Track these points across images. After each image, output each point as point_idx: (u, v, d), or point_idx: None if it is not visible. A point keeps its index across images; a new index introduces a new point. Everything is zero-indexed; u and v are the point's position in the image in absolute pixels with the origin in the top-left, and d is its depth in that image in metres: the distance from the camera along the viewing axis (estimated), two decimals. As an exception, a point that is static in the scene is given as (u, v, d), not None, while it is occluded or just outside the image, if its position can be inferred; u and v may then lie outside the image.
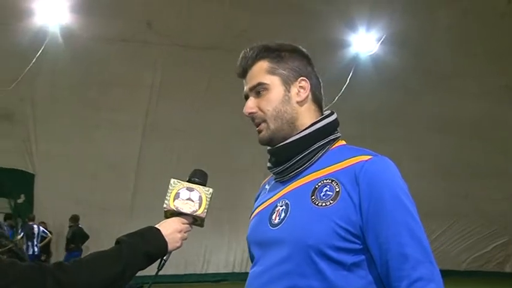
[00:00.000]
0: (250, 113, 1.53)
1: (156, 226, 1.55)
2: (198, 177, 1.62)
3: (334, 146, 1.52)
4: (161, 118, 14.00)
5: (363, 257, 1.37)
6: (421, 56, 14.25)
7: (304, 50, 1.60)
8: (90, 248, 12.27)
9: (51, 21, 11.97)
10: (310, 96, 1.55)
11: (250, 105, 1.53)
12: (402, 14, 13.22)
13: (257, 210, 1.57)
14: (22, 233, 12.86)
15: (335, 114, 1.58)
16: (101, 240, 11.36)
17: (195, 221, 1.59)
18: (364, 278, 1.37)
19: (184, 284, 14.08)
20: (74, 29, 12.23)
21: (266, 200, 1.56)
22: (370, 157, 1.42)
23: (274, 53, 1.54)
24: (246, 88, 1.55)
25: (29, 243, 12.66)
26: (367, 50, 13.98)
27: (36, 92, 13.42)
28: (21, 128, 13.66)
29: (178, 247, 1.58)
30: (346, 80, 13.72)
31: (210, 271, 14.79)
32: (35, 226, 12.91)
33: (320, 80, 1.59)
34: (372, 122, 14.82)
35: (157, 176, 12.45)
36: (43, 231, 13.07)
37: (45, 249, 13.39)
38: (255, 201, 1.65)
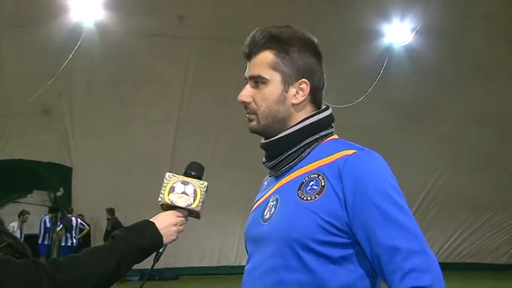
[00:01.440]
0: (243, 102, 1.52)
1: (151, 220, 1.57)
2: (194, 170, 1.62)
3: (324, 141, 1.48)
4: (194, 112, 14.11)
5: (352, 250, 1.35)
6: (456, 47, 13.91)
7: (317, 44, 1.53)
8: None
9: (86, 17, 12.19)
10: (308, 99, 1.50)
11: (246, 93, 1.51)
12: (437, 4, 12.92)
13: (254, 206, 1.58)
14: (61, 225, 13.22)
15: (329, 110, 1.53)
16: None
17: (190, 213, 1.59)
18: (353, 272, 1.35)
19: (217, 276, 14.20)
20: (108, 25, 12.42)
21: (262, 196, 1.57)
22: (354, 151, 1.39)
23: (283, 46, 1.49)
24: (247, 72, 1.53)
25: (68, 235, 13.02)
26: (401, 41, 13.73)
27: (72, 87, 13.71)
28: (59, 123, 13.99)
29: (173, 240, 1.58)
30: (380, 71, 13.52)
31: (244, 263, 14.84)
32: (73, 218, 13.25)
33: (325, 78, 1.53)
34: (406, 114, 14.58)
35: (191, 169, 12.59)
36: (81, 224, 13.41)
37: (84, 240, 13.74)
38: None
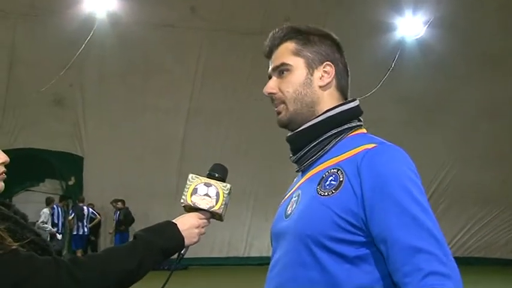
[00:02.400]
0: (270, 93, 1.50)
1: (174, 221, 1.56)
2: (218, 172, 1.60)
3: (350, 135, 1.44)
4: (204, 103, 14.14)
5: (368, 250, 1.29)
6: (469, 40, 13.77)
7: (335, 36, 1.53)
8: (136, 230, 12.61)
9: (98, 8, 12.23)
10: (334, 82, 1.48)
11: (271, 85, 1.50)
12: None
13: (281, 203, 1.56)
14: (73, 214, 13.36)
15: (356, 101, 1.49)
16: (145, 223, 11.64)
17: (213, 216, 1.59)
18: (369, 274, 1.28)
19: (227, 266, 14.29)
20: (121, 15, 12.45)
21: (288, 192, 1.55)
22: (374, 145, 1.35)
23: (303, 35, 1.50)
24: (270, 68, 1.52)
25: (79, 224, 13.16)
26: (413, 34, 13.63)
27: (84, 77, 13.79)
28: (71, 113, 14.10)
29: (195, 242, 1.58)
30: (392, 64, 13.44)
31: (253, 255, 14.94)
32: (85, 207, 13.39)
33: (348, 69, 1.53)
34: (417, 107, 14.49)
35: (202, 160, 12.62)
36: (92, 213, 13.55)
37: (95, 230, 13.88)
38: None
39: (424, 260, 1.19)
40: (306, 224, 1.34)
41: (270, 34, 1.53)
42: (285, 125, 1.50)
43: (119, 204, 13.54)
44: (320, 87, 1.47)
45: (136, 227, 12.89)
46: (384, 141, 1.40)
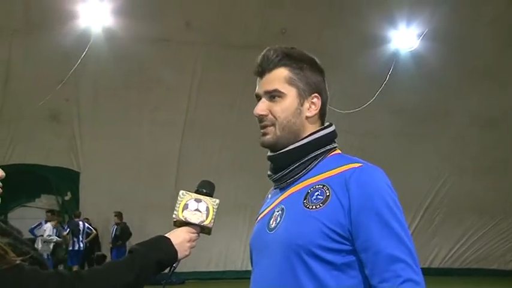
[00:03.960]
0: (261, 115, 1.58)
1: (166, 235, 1.62)
2: (206, 188, 1.67)
3: (329, 155, 1.58)
4: (200, 117, 14.17)
5: (353, 258, 1.43)
6: (462, 51, 13.88)
7: (320, 64, 1.63)
8: (132, 244, 12.54)
9: (94, 23, 12.29)
10: (318, 113, 1.60)
11: (263, 107, 1.58)
12: (443, 9, 12.92)
13: (259, 218, 1.66)
14: (68, 229, 13.28)
15: (333, 126, 1.63)
16: (142, 236, 11.59)
17: (202, 230, 1.65)
18: (355, 278, 1.43)
19: (224, 280, 14.21)
20: (116, 30, 12.51)
21: (267, 207, 1.65)
22: (360, 165, 1.49)
23: (297, 63, 1.58)
24: (259, 89, 1.60)
25: (75, 239, 13.08)
26: (407, 46, 13.74)
27: (80, 92, 13.81)
28: (67, 128, 14.09)
29: (187, 255, 1.64)
30: (386, 77, 13.52)
31: (250, 268, 14.85)
32: (80, 222, 13.31)
33: (328, 95, 1.64)
34: (412, 119, 14.57)
35: (198, 174, 12.58)
36: (88, 228, 13.47)
37: (91, 244, 13.80)
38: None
39: (401, 269, 1.37)
40: (296, 235, 1.45)
41: (264, 53, 1.60)
42: (269, 146, 1.61)
43: (116, 219, 13.49)
44: (307, 117, 1.58)
45: (133, 241, 12.83)
46: (366, 162, 1.52)
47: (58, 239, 12.69)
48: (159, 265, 1.56)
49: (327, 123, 1.63)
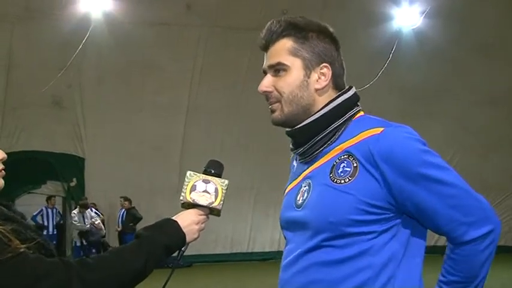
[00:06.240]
0: (265, 92, 1.50)
1: (174, 218, 1.56)
2: (214, 169, 1.61)
3: (352, 120, 1.48)
4: (203, 99, 14.13)
5: (393, 222, 1.39)
6: (465, 28, 13.73)
7: (333, 31, 1.51)
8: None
9: (94, 8, 12.21)
10: (330, 84, 1.48)
11: (266, 83, 1.49)
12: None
13: (287, 190, 1.58)
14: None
15: (352, 89, 1.51)
16: (149, 220, 11.65)
17: (211, 211, 1.60)
18: (397, 240, 1.39)
19: (231, 262, 14.32)
20: (116, 15, 12.42)
21: (294, 179, 1.56)
22: (382, 129, 1.39)
23: (301, 32, 1.47)
24: (265, 63, 1.51)
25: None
26: (410, 24, 13.61)
27: (82, 78, 13.77)
28: (70, 114, 14.08)
29: (195, 238, 1.59)
30: (389, 55, 13.42)
31: (256, 250, 14.97)
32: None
33: (344, 65, 1.53)
34: (415, 97, 14.48)
35: (202, 157, 12.54)
36: (95, 213, 13.55)
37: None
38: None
39: (464, 215, 1.38)
40: (327, 212, 1.38)
41: (267, 26, 1.50)
42: (279, 124, 1.51)
43: (126, 204, 13.52)
44: (316, 90, 1.47)
45: (139, 225, 12.91)
46: (387, 122, 1.44)
47: (84, 225, 12.94)
48: (167, 249, 1.52)
49: (346, 87, 1.52)
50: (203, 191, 1.57)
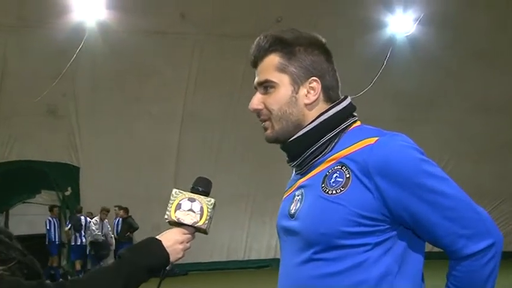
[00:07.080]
0: (255, 109, 1.49)
1: (158, 237, 1.56)
2: (201, 186, 1.59)
3: (348, 131, 1.45)
4: (199, 108, 14.13)
5: (388, 235, 1.34)
6: (459, 35, 13.83)
7: (324, 43, 1.49)
8: (135, 239, 12.56)
9: (88, 17, 12.22)
10: (321, 97, 1.46)
11: (256, 101, 1.48)
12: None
13: (284, 196, 1.57)
14: (69, 225, 13.30)
15: (347, 100, 1.49)
16: (143, 229, 11.62)
17: (197, 230, 1.58)
18: (391, 253, 1.34)
19: (227, 271, 14.26)
20: (110, 23, 12.45)
21: (290, 187, 1.55)
22: (376, 139, 1.37)
23: (288, 47, 1.45)
24: (255, 80, 1.50)
25: (77, 234, 13.09)
26: (404, 31, 13.69)
27: (77, 87, 13.75)
28: (65, 123, 14.05)
29: (180, 258, 1.58)
30: (384, 62, 13.48)
31: (253, 257, 14.92)
32: (82, 218, 13.31)
33: (338, 76, 1.50)
34: (410, 104, 14.55)
35: (197, 165, 12.60)
36: (90, 222, 13.47)
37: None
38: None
39: (462, 227, 1.33)
40: (317, 223, 1.35)
41: (256, 41, 1.49)
42: (272, 141, 1.50)
43: (122, 213, 13.45)
44: (306, 104, 1.46)
45: (137, 234, 12.83)
46: (383, 131, 1.42)
47: (101, 236, 12.86)
48: (150, 270, 1.51)
49: (341, 98, 1.49)
50: (188, 210, 1.55)
